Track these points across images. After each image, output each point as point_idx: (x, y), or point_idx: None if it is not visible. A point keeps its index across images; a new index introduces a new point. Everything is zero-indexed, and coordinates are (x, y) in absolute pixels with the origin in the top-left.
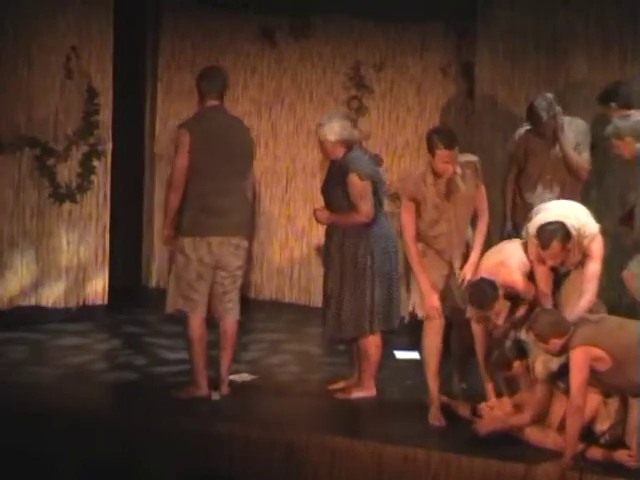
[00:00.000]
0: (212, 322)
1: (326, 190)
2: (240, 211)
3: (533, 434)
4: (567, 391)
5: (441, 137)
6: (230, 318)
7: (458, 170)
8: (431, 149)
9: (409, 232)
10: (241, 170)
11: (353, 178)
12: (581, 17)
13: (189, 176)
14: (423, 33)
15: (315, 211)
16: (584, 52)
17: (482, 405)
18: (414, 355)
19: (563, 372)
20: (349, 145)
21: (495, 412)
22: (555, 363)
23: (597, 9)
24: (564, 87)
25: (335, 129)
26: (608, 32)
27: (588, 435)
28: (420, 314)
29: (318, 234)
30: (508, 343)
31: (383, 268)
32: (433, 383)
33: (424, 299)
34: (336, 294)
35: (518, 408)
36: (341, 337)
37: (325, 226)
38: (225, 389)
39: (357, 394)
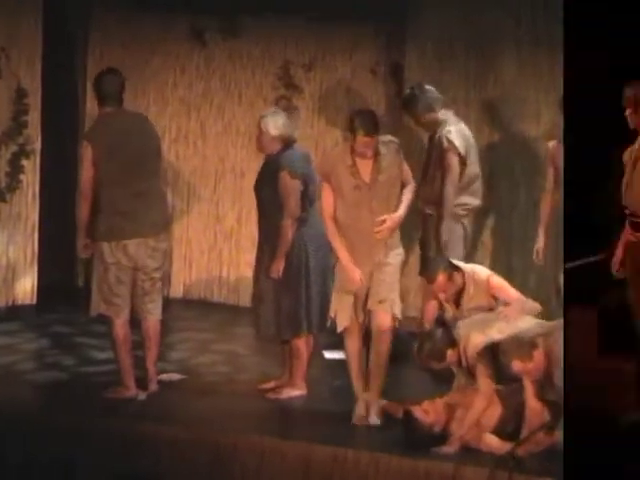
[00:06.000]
0: (135, 322)
1: (258, 187)
2: (154, 211)
3: (468, 434)
4: (504, 396)
5: (363, 122)
6: (152, 318)
7: (383, 151)
8: (352, 131)
9: (326, 210)
10: (150, 169)
11: (283, 175)
12: (511, 18)
13: (98, 184)
14: (353, 33)
15: (272, 272)
16: (514, 53)
17: (415, 407)
18: (342, 355)
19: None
20: (286, 143)
21: (430, 415)
22: (495, 332)
23: (526, 10)
24: (494, 88)
25: (279, 123)
26: (537, 33)
27: (515, 433)
28: (339, 326)
29: (247, 234)
30: (439, 333)
31: (317, 266)
32: (358, 384)
33: (347, 275)
34: (271, 294)
35: (450, 408)
36: (279, 337)
37: (257, 226)
38: (153, 386)
39: (289, 393)
